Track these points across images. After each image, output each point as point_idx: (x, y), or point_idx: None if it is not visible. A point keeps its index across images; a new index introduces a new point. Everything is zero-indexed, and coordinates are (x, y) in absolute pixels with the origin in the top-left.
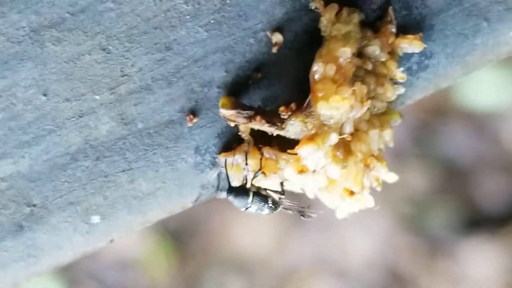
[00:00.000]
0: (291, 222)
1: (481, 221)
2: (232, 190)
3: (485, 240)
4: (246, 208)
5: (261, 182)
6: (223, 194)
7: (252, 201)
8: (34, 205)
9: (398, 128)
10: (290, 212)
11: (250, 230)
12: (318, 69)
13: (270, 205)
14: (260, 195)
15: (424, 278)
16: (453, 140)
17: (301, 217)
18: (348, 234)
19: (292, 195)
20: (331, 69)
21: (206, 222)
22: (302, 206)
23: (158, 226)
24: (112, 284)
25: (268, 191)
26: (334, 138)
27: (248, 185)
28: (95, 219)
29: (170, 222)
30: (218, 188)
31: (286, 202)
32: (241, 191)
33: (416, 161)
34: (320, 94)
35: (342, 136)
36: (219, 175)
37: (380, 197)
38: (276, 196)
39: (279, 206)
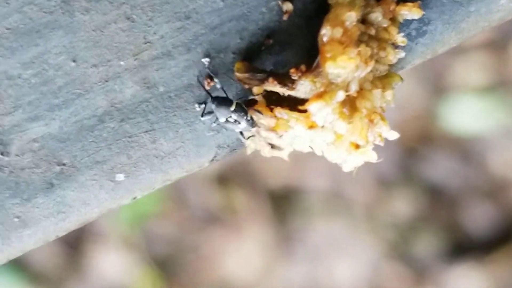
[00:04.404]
0: (279, 250)
1: (467, 248)
2: (215, 99)
3: (471, 266)
4: (227, 119)
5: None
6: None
7: (234, 110)
8: (64, 164)
9: (384, 155)
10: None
11: (238, 259)
12: (326, 32)
13: (249, 118)
14: (242, 107)
15: None
16: (439, 166)
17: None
18: (335, 263)
19: None
20: (338, 32)
21: (194, 251)
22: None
23: (146, 256)
24: None
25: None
26: (341, 95)
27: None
28: (120, 177)
29: (158, 252)
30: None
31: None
32: (225, 99)
33: (402, 188)
34: (328, 55)
35: (349, 93)
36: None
37: (367, 225)
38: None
39: (254, 124)
